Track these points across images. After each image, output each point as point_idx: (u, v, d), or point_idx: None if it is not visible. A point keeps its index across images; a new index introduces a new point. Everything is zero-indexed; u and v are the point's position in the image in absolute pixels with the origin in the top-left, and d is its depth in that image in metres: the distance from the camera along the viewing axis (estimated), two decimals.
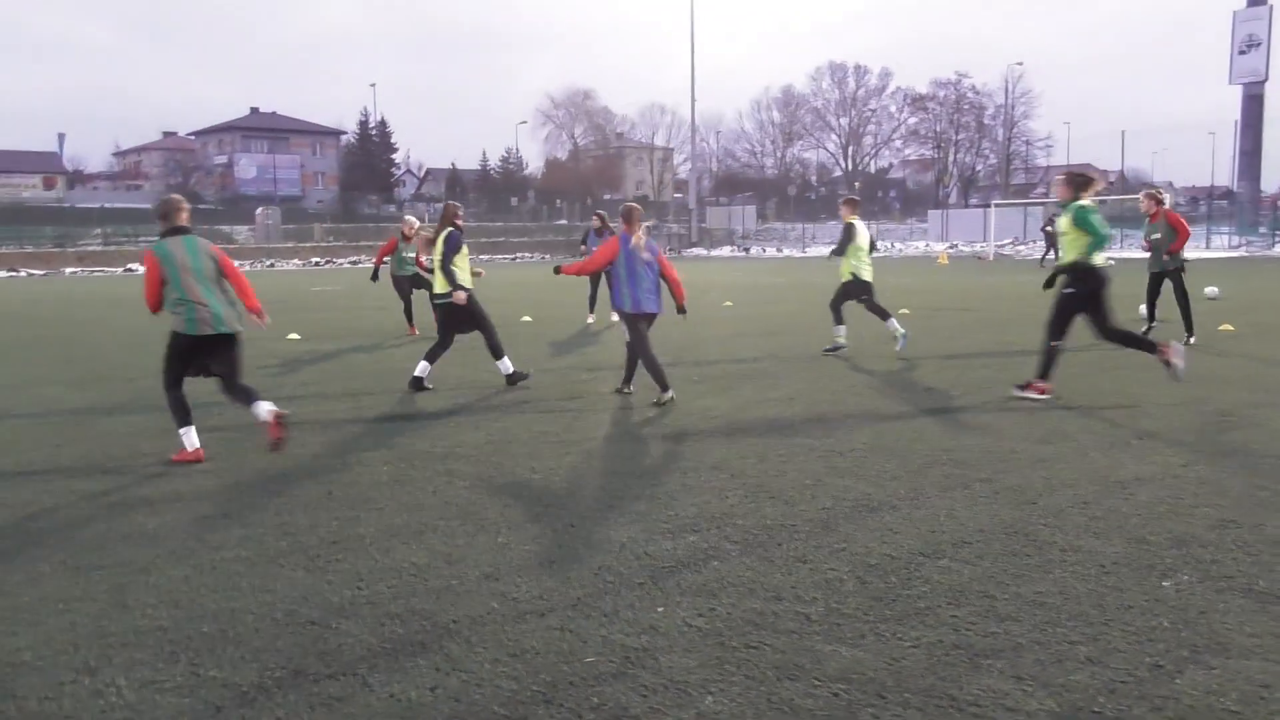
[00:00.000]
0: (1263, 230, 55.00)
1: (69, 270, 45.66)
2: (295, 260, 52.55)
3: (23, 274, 43.25)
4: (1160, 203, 12.23)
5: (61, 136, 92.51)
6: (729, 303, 19.67)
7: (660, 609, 3.83)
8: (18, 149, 79.98)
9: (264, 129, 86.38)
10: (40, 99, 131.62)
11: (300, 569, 4.38)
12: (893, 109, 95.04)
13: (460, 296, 9.06)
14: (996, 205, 48.71)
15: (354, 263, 52.54)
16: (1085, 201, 7.93)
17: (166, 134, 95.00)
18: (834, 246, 11.49)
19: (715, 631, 3.60)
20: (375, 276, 15.58)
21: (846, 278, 11.27)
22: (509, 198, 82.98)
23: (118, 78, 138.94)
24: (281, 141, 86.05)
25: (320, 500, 5.49)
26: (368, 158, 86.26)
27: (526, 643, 3.54)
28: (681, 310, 8.57)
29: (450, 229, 9.26)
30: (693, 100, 64.81)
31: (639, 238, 8.37)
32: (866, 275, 11.25)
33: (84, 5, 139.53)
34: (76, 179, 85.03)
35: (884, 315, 11.25)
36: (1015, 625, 3.57)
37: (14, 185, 75.17)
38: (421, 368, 9.21)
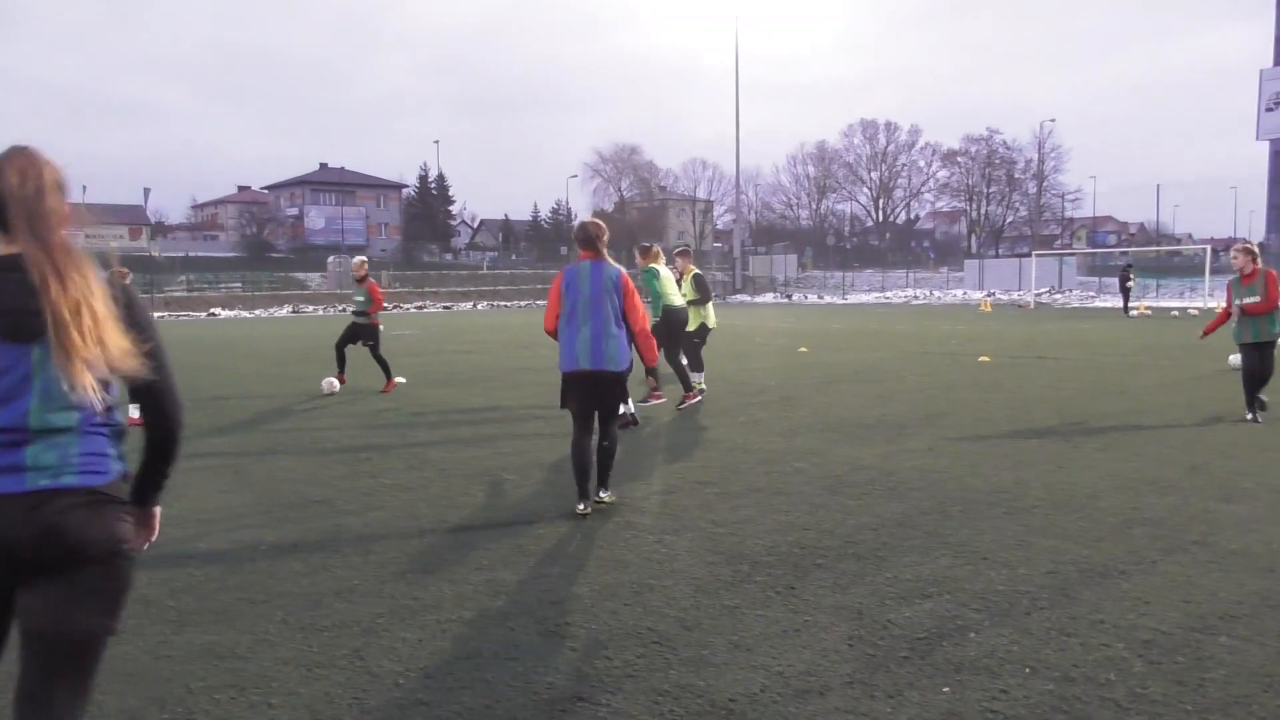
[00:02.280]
0: None
1: (157, 315, 46.12)
2: None
3: None
4: (1257, 259, 9.43)
5: (146, 191, 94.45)
6: (803, 349, 19.23)
7: (946, 689, 3.39)
8: (106, 203, 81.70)
9: (332, 183, 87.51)
10: (126, 158, 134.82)
11: (533, 633, 4.00)
12: (922, 163, 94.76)
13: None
14: (1038, 255, 48.02)
15: (419, 308, 52.74)
16: (653, 265, 10.65)
17: (241, 188, 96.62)
18: (696, 298, 11.10)
19: (1023, 719, 3.16)
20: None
21: (694, 325, 11.10)
22: (559, 246, 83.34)
23: (196, 137, 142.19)
24: (348, 194, 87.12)
25: (514, 554, 5.11)
26: (427, 209, 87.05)
27: None
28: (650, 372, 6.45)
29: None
30: (737, 155, 64.60)
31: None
32: (712, 322, 11.42)
33: (162, 71, 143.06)
34: (159, 230, 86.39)
35: (699, 366, 11.19)
36: None
37: (103, 236, 76.56)
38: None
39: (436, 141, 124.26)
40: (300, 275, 61.77)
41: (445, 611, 4.26)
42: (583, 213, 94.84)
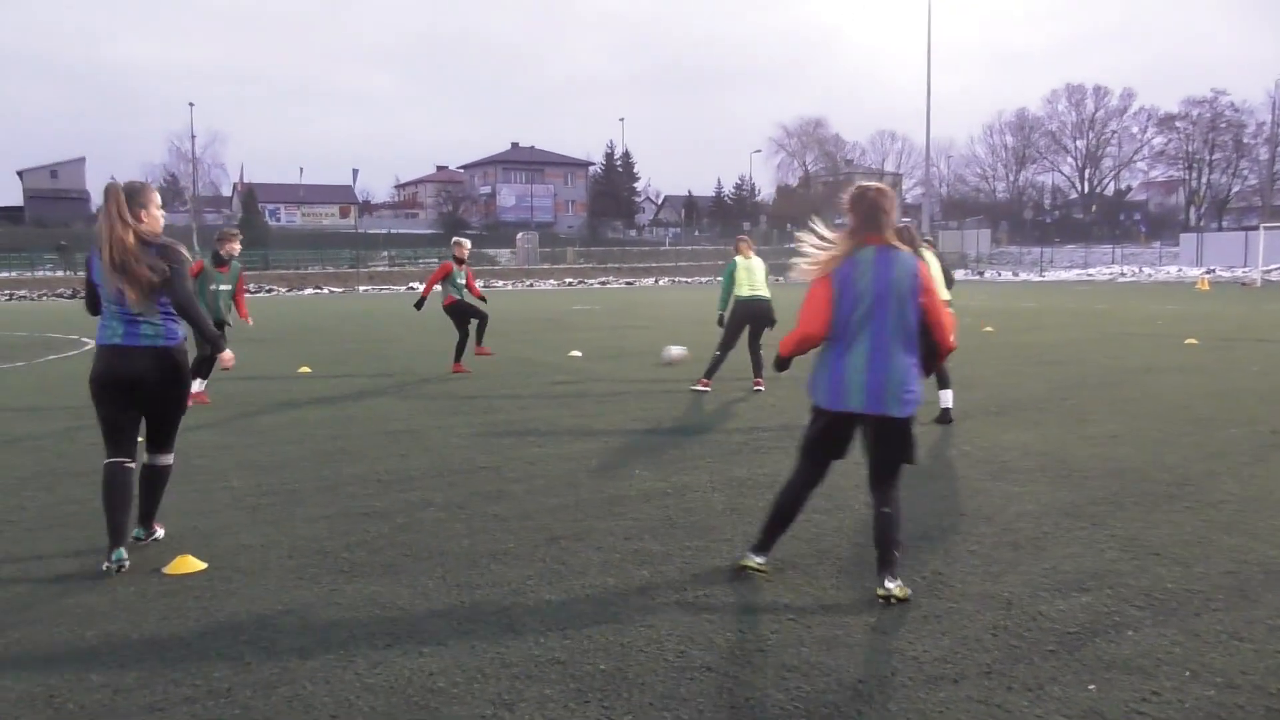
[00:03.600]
0: None
1: (362, 288, 49.37)
2: (550, 281, 54.59)
3: (325, 291, 47.13)
4: None
5: (355, 172, 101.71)
6: (989, 328, 18.41)
7: (1092, 687, 3.24)
8: (320, 184, 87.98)
9: (522, 162, 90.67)
10: (338, 141, 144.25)
11: (673, 604, 4.09)
12: (1135, 130, 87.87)
13: None
14: (1266, 228, 43.60)
15: (603, 283, 53.96)
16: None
17: (439, 168, 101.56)
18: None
19: None
20: (420, 305, 13.14)
21: None
22: (742, 222, 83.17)
23: (399, 120, 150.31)
24: (537, 173, 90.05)
25: (664, 527, 5.23)
26: (612, 186, 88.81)
27: (954, 716, 3.05)
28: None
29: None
30: (928, 126, 62.36)
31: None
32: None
33: (374, 60, 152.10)
34: (365, 209, 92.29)
35: None
36: None
37: (317, 214, 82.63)
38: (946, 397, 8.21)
39: (621, 119, 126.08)
40: (491, 251, 64.44)
41: (591, 577, 4.43)
42: (767, 188, 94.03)
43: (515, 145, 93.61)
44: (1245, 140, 79.79)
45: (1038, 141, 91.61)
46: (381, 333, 20.06)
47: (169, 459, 4.89)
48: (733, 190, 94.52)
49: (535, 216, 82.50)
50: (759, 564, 4.35)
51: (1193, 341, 14.86)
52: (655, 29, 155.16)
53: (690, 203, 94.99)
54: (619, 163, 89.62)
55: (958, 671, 3.38)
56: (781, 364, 4.44)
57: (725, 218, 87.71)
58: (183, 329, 4.68)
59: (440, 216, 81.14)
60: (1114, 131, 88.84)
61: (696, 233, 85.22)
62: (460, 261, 12.55)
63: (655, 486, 6.12)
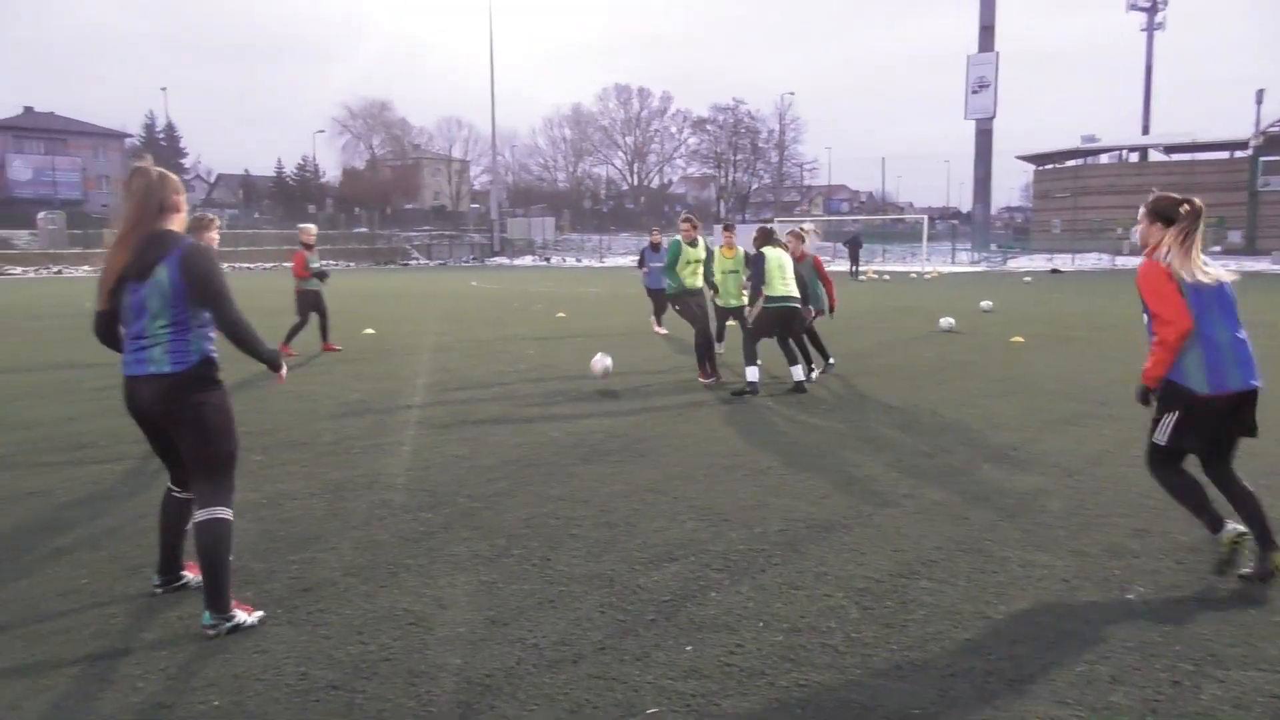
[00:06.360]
0: (994, 247, 60.57)
1: None
2: (85, 267, 47.86)
3: None
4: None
5: None
6: (562, 314, 19.48)
7: (689, 648, 3.65)
8: None
9: (40, 129, 78.08)
10: None
11: (284, 623, 3.90)
12: (673, 130, 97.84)
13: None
14: (780, 220, 50.92)
15: None
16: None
17: None
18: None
19: (756, 671, 3.45)
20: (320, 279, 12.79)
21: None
22: (306, 205, 79.23)
23: None
24: (59, 143, 78.06)
25: (263, 541, 4.92)
26: (156, 161, 79.32)
27: (577, 695, 3.28)
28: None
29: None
30: (493, 114, 63.93)
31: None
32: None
33: None
34: None
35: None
36: (1024, 648, 3.63)
37: None
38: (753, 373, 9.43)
39: (164, 88, 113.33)
40: (5, 233, 54.96)
41: (188, 608, 4.05)
42: (332, 170, 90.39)
43: (30, 110, 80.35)
44: (760, 144, 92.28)
45: (592, 136, 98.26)
46: None
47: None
48: (295, 171, 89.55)
49: (60, 193, 71.47)
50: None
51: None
52: None
53: (248, 182, 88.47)
54: (162, 135, 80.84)
55: (575, 652, 3.62)
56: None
57: (288, 199, 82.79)
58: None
59: None
60: (656, 130, 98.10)
61: (256, 215, 79.46)
62: (310, 247, 12.73)
63: (246, 498, 5.71)
